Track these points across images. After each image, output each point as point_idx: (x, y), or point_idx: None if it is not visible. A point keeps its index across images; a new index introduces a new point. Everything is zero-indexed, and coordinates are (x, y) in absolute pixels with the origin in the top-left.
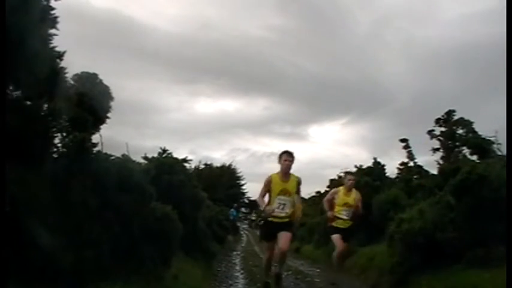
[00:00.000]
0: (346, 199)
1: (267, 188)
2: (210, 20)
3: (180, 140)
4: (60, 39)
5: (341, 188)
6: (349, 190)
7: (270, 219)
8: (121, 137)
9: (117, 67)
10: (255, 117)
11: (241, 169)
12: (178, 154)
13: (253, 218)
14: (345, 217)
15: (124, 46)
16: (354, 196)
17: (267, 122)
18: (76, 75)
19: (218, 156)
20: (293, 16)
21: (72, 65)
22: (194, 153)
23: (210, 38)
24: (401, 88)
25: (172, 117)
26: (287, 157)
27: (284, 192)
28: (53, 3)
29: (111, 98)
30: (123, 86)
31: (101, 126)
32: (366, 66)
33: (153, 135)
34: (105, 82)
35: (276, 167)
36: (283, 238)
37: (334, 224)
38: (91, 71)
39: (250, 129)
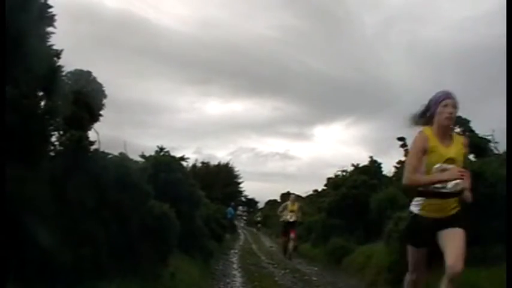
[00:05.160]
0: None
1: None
2: (221, 20)
3: (188, 139)
4: (72, 40)
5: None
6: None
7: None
8: (128, 137)
9: (129, 67)
10: (264, 117)
11: (245, 168)
12: (184, 153)
13: (259, 219)
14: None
15: (136, 46)
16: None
17: (275, 122)
18: (70, 72)
19: (222, 155)
20: (303, 17)
21: (82, 65)
22: (199, 152)
23: (222, 38)
24: (405, 89)
25: (183, 117)
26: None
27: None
28: (50, 1)
29: (104, 96)
30: (135, 86)
31: (97, 124)
32: (372, 67)
33: (162, 134)
34: (117, 82)
35: (278, 166)
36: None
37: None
38: (102, 71)
39: (258, 130)
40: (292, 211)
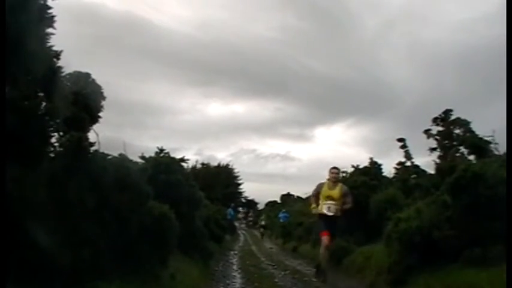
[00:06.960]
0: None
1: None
2: (223, 22)
3: (189, 141)
4: (73, 41)
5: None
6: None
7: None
8: (130, 139)
9: (130, 69)
10: (265, 119)
11: (245, 169)
12: (185, 155)
13: (263, 223)
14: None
15: (138, 48)
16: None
17: (277, 123)
18: (69, 74)
19: (222, 156)
20: (304, 18)
21: (83, 66)
22: (200, 153)
23: (223, 40)
24: (405, 90)
25: (184, 119)
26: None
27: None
28: (50, 3)
29: (103, 97)
30: (136, 87)
31: (97, 126)
32: (373, 69)
33: (163, 136)
34: (118, 84)
35: (279, 168)
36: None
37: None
38: (103, 72)
39: (259, 131)
40: (329, 197)
